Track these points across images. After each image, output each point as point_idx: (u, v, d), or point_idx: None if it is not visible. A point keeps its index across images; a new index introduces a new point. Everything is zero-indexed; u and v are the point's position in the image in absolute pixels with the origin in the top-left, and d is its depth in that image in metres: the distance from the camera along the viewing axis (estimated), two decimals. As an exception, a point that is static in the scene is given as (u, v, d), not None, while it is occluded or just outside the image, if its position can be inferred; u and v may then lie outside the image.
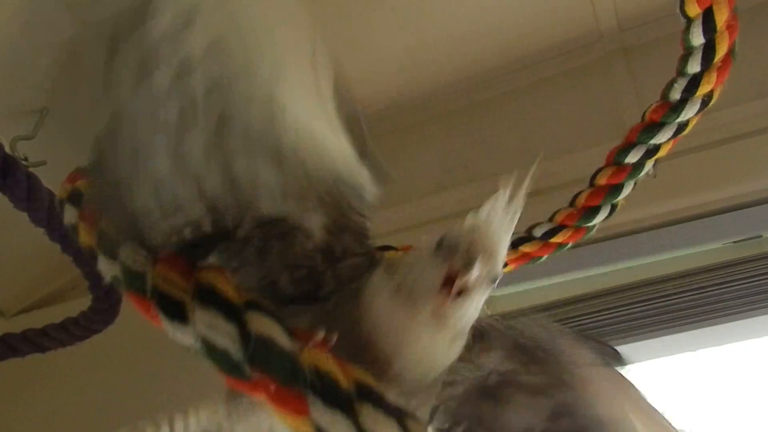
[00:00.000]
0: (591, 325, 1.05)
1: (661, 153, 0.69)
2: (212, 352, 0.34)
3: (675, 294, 1.00)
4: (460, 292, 0.37)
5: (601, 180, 0.74)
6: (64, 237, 1.02)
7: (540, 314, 1.11)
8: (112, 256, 0.39)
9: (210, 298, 0.35)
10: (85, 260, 1.07)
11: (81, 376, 1.43)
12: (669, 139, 0.66)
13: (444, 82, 1.30)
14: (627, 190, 0.74)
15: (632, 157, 0.70)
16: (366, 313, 0.38)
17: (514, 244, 0.87)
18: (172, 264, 0.37)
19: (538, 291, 1.13)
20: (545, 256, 0.85)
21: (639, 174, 0.72)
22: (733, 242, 1.02)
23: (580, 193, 0.78)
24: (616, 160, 0.72)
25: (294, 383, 0.33)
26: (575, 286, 1.10)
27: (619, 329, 1.02)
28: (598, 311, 1.05)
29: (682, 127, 0.65)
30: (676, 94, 0.62)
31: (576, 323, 1.06)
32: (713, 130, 1.02)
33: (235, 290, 0.36)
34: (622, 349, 1.00)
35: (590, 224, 0.78)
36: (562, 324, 1.05)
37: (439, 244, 0.40)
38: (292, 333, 0.35)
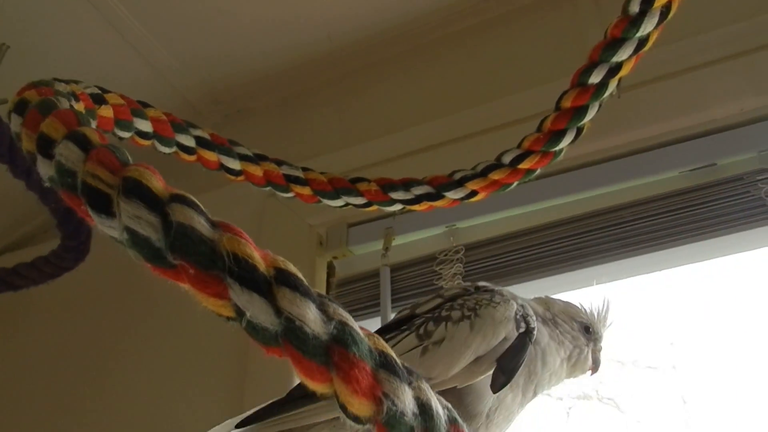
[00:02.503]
0: (553, 252, 1.08)
1: (624, 71, 0.68)
2: (135, 241, 0.35)
3: (632, 221, 1.03)
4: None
5: (566, 103, 0.74)
6: (28, 173, 1.04)
7: (506, 242, 1.14)
8: (49, 156, 0.40)
9: (135, 191, 0.36)
10: (51, 198, 1.09)
11: (56, 315, 1.47)
12: (631, 56, 0.66)
13: (417, 14, 1.29)
14: (592, 112, 0.74)
15: (596, 77, 0.70)
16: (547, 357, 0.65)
17: (484, 172, 0.88)
18: (102, 160, 0.38)
19: (503, 221, 1.16)
20: (514, 183, 0.86)
21: (603, 94, 0.72)
22: (689, 170, 1.04)
23: (546, 117, 0.78)
24: (580, 80, 0.72)
25: (213, 268, 0.34)
26: (537, 217, 1.12)
27: (581, 254, 1.05)
28: (560, 239, 1.08)
29: (642, 42, 0.64)
30: (635, 7, 0.61)
31: (539, 251, 1.09)
32: (669, 61, 1.03)
33: (161, 184, 0.37)
34: (585, 272, 1.03)
35: (557, 148, 0.79)
36: (529, 251, 1.09)
37: (586, 330, 0.69)
38: (214, 223, 0.36)
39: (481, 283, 0.70)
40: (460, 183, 0.89)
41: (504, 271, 1.10)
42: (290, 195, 0.93)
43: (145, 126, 0.71)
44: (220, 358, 1.23)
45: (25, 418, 1.38)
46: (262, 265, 0.35)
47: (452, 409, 0.40)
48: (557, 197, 1.11)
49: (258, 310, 0.34)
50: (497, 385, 0.59)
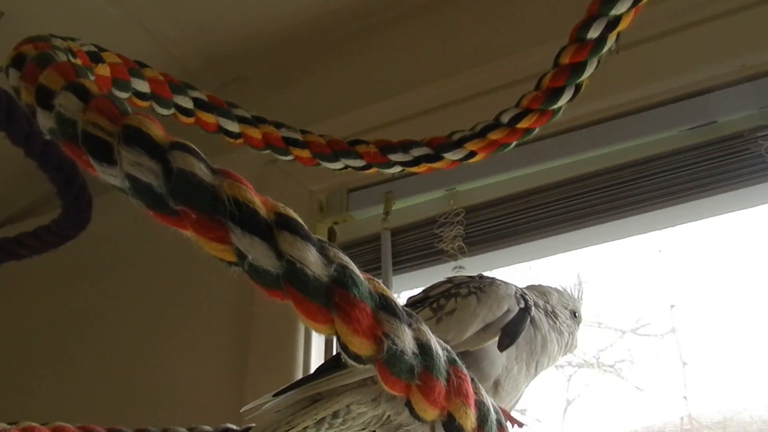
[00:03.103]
0: (552, 213, 1.08)
1: (623, 25, 0.68)
2: (137, 188, 0.36)
3: (632, 180, 1.03)
4: None
5: (565, 59, 0.74)
6: (27, 139, 1.04)
7: (506, 204, 1.14)
8: (49, 108, 0.40)
9: (135, 138, 0.36)
10: (51, 165, 1.09)
11: (59, 282, 1.49)
12: (629, 9, 0.65)
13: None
14: (590, 68, 0.74)
15: (594, 31, 0.69)
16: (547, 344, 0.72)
17: (482, 132, 0.88)
18: (102, 109, 0.38)
19: (503, 184, 1.16)
20: (513, 143, 0.86)
21: (602, 50, 0.71)
22: (689, 129, 1.04)
23: (544, 75, 0.78)
24: (578, 36, 0.71)
25: (214, 212, 0.35)
26: (537, 178, 1.13)
27: (581, 215, 1.06)
28: (559, 200, 1.09)
29: (641, -7, 0.63)
30: (633, -43, 0.60)
31: (538, 212, 1.09)
32: (668, 18, 1.01)
33: (161, 132, 0.37)
34: (585, 233, 1.04)
35: (555, 106, 0.79)
36: (530, 212, 1.10)
37: (573, 315, 0.77)
38: (214, 170, 0.36)
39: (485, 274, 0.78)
40: (458, 144, 0.89)
41: (504, 232, 1.11)
42: (289, 158, 0.93)
43: (142, 86, 0.71)
44: (224, 317, 1.25)
45: (27, 381, 1.40)
46: (262, 210, 0.36)
47: (451, 351, 0.41)
48: (556, 159, 1.11)
49: (260, 254, 0.35)
50: (503, 346, 0.67)
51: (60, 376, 1.36)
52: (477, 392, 0.41)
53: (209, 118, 0.84)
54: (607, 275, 1.13)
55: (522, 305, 0.70)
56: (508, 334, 0.67)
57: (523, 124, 0.82)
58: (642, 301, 1.10)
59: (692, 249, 1.10)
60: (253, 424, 0.66)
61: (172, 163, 0.35)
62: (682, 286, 1.08)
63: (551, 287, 0.80)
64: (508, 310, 0.69)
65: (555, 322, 0.74)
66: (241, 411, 0.66)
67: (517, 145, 0.89)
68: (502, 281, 0.74)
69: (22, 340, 1.48)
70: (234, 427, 0.81)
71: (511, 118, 0.82)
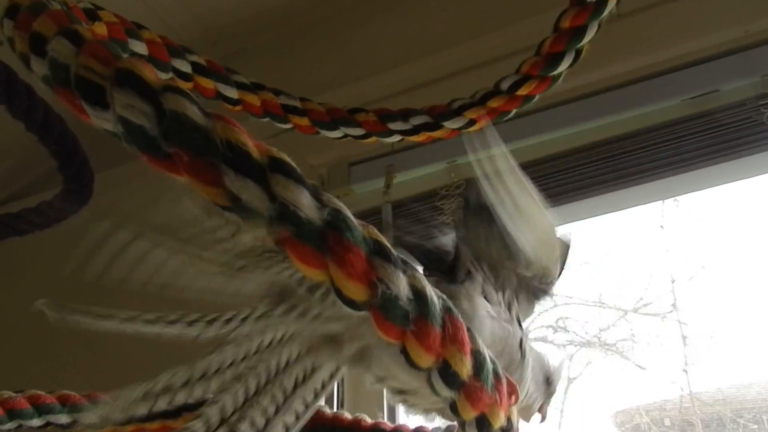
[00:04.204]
0: (553, 184, 1.08)
1: (624, -14, 0.67)
2: (130, 131, 0.35)
3: (634, 150, 1.03)
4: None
5: (565, 23, 0.73)
6: (27, 112, 1.03)
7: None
8: (42, 54, 0.40)
9: (128, 80, 0.36)
10: (51, 138, 1.09)
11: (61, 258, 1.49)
12: (631, -30, 0.65)
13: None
14: (591, 33, 0.73)
15: (595, -6, 0.69)
16: None
17: (482, 100, 0.88)
18: (94, 53, 0.37)
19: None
20: (513, 111, 0.86)
21: (602, 13, 0.70)
22: (691, 98, 1.03)
23: (544, 40, 0.77)
24: (579, -1, 0.70)
25: (207, 154, 0.35)
26: (538, 149, 1.12)
27: (582, 186, 1.06)
28: (560, 171, 1.08)
29: (643, -46, 0.63)
30: None
31: (539, 183, 1.08)
32: None
33: (153, 75, 0.37)
34: (587, 203, 1.04)
35: (555, 72, 0.78)
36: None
37: (547, 381, 0.70)
38: (207, 113, 0.36)
39: None
40: (458, 112, 0.88)
41: (504, 204, 1.10)
42: (288, 126, 0.93)
43: (140, 48, 0.70)
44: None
45: (30, 352, 1.41)
46: (255, 153, 0.35)
47: (447, 299, 0.41)
48: (556, 130, 1.10)
49: (252, 196, 0.34)
50: None
51: (62, 348, 1.36)
52: (473, 341, 0.41)
53: (208, 83, 0.83)
54: (608, 254, 1.13)
55: None
56: None
57: (522, 91, 0.82)
58: (644, 280, 1.10)
59: (694, 225, 1.10)
60: None
61: (164, 105, 0.35)
62: (683, 263, 1.08)
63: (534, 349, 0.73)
64: None
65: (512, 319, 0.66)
66: None
67: (516, 117, 0.89)
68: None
69: (26, 313, 1.48)
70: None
71: (511, 85, 0.82)
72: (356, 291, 0.36)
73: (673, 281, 1.08)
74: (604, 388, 1.05)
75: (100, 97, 0.36)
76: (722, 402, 0.96)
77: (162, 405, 0.53)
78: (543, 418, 0.72)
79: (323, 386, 0.56)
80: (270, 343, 0.57)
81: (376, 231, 0.38)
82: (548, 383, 0.71)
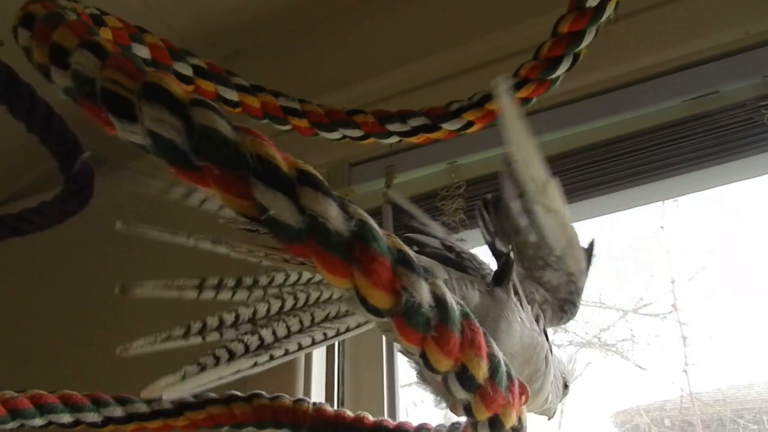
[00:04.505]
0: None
1: (622, -8, 0.69)
2: (160, 145, 0.36)
3: (634, 151, 1.04)
4: None
5: (564, 27, 0.74)
6: (28, 113, 1.02)
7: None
8: (64, 66, 0.40)
9: (156, 94, 0.36)
10: (52, 139, 1.08)
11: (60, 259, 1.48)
12: (630, -23, 0.66)
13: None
14: (589, 38, 0.74)
15: (593, -1, 0.70)
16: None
17: (480, 102, 0.89)
18: (120, 66, 0.38)
19: (503, 157, 1.16)
20: (510, 113, 0.87)
21: (601, 18, 0.72)
22: (692, 99, 1.04)
23: (543, 44, 0.78)
24: (578, 4, 0.72)
25: (237, 168, 0.35)
26: (539, 151, 1.13)
27: (581, 187, 1.07)
28: (559, 172, 1.09)
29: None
30: None
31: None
32: None
33: (181, 88, 0.37)
34: (586, 204, 1.05)
35: (554, 76, 0.79)
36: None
37: (565, 386, 0.73)
38: (235, 127, 0.37)
39: None
40: (456, 114, 0.89)
41: (506, 204, 1.11)
42: (287, 128, 0.94)
43: (143, 52, 0.70)
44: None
45: (33, 353, 1.40)
46: (284, 166, 0.36)
47: (465, 306, 0.42)
48: (556, 131, 1.11)
49: (282, 208, 0.35)
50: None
51: (65, 349, 1.36)
52: (489, 345, 0.42)
53: (208, 86, 0.84)
54: (608, 254, 1.14)
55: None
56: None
57: (521, 94, 0.83)
58: (644, 281, 1.12)
59: (694, 225, 1.11)
60: None
61: (193, 119, 0.36)
62: (683, 263, 1.10)
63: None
64: None
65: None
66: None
67: (515, 118, 0.90)
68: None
69: (27, 314, 1.47)
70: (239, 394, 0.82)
71: (509, 88, 0.83)
72: (381, 299, 0.37)
73: (673, 282, 1.10)
74: (604, 388, 1.07)
75: (129, 111, 0.37)
76: (722, 402, 0.98)
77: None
78: (551, 416, 0.75)
79: (347, 330, 0.61)
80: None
81: (399, 241, 0.39)
82: (565, 387, 0.74)
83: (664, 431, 1.00)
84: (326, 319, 0.62)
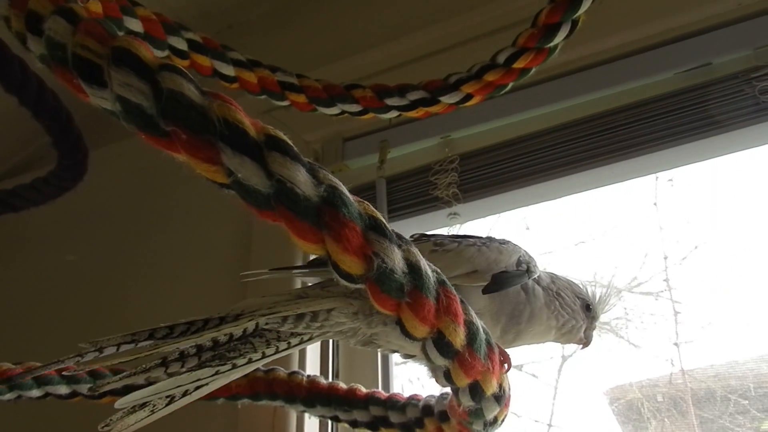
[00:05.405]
0: (547, 158, 1.08)
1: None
2: (128, 110, 0.36)
3: (627, 124, 1.03)
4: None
5: (561, -7, 0.73)
6: (21, 87, 1.03)
7: (501, 150, 1.14)
8: (39, 33, 0.40)
9: (125, 59, 0.36)
10: (46, 114, 1.08)
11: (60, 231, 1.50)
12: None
13: None
14: (587, 3, 0.72)
15: (591, -35, 0.68)
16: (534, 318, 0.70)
17: (479, 73, 0.87)
18: (90, 31, 0.38)
19: (497, 130, 1.15)
20: (509, 84, 0.86)
21: (598, -17, 0.70)
22: (684, 71, 1.02)
23: (540, 11, 0.76)
24: (575, -30, 0.70)
25: (204, 132, 0.35)
26: (531, 124, 1.12)
27: (575, 160, 1.06)
28: (553, 145, 1.08)
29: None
30: None
31: (533, 158, 1.09)
32: None
33: (150, 53, 0.37)
34: (580, 177, 1.05)
35: (552, 44, 0.78)
36: (524, 158, 1.10)
37: (587, 308, 0.75)
38: (203, 91, 0.36)
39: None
40: (455, 86, 0.88)
41: (500, 178, 1.11)
42: (285, 103, 0.93)
43: (135, 25, 0.70)
44: (222, 265, 1.26)
45: (30, 327, 1.42)
46: (252, 130, 0.36)
47: (441, 273, 0.42)
48: (550, 104, 1.09)
49: (250, 173, 0.35)
50: (487, 290, 0.67)
51: (62, 322, 1.38)
52: (466, 312, 0.42)
53: (204, 60, 0.83)
54: (602, 234, 1.13)
55: (523, 269, 0.70)
56: (497, 281, 0.67)
57: (519, 64, 0.81)
58: (638, 260, 1.11)
59: (687, 204, 1.10)
60: None
61: (161, 83, 0.36)
62: (677, 243, 1.09)
63: (568, 278, 0.78)
64: (505, 268, 0.69)
65: (553, 301, 0.72)
66: (240, 275, 0.66)
67: (511, 91, 0.89)
68: (514, 244, 0.73)
69: (25, 288, 1.49)
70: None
71: (508, 58, 0.81)
72: (353, 265, 0.37)
73: (665, 257, 1.09)
74: (598, 365, 1.07)
75: (98, 76, 0.37)
76: (714, 378, 0.97)
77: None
78: (587, 343, 0.76)
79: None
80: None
81: (371, 207, 0.39)
82: (588, 309, 0.75)
83: (657, 406, 1.00)
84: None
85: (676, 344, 1.04)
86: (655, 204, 1.11)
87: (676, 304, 1.06)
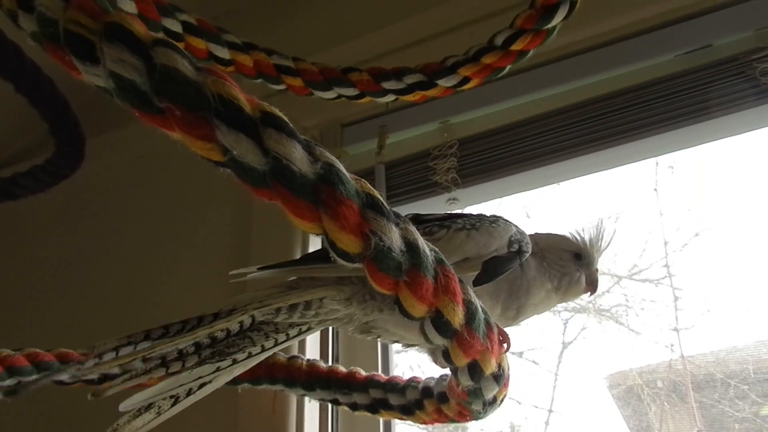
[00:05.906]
0: (546, 142, 1.08)
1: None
2: (121, 86, 0.35)
3: (626, 107, 1.02)
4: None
5: (559, -27, 0.72)
6: (16, 73, 1.02)
7: (499, 135, 1.13)
8: (30, 10, 0.40)
9: (117, 35, 0.36)
10: (42, 100, 1.07)
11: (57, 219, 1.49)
12: None
13: None
14: (586, -18, 0.72)
15: (589, -55, 0.68)
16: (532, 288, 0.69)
17: (476, 56, 0.87)
18: (82, 7, 0.37)
19: (496, 115, 1.14)
20: (507, 66, 0.85)
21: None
22: (685, 53, 1.02)
23: (539, -8, 0.76)
24: (573, -51, 0.69)
25: (199, 109, 0.35)
26: (530, 108, 1.11)
27: (574, 144, 1.05)
28: (552, 129, 1.08)
29: None
30: None
31: (532, 142, 1.09)
32: None
33: (143, 29, 0.36)
34: (579, 161, 1.04)
35: (550, 25, 0.77)
36: (523, 143, 1.09)
37: (577, 257, 0.73)
38: (198, 67, 0.36)
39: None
40: (452, 69, 0.87)
41: (498, 163, 1.10)
42: (281, 87, 0.92)
43: (128, 6, 0.69)
44: (220, 251, 1.26)
45: (30, 314, 1.42)
46: (247, 107, 0.36)
47: (439, 252, 0.41)
48: (549, 88, 1.09)
49: (245, 150, 0.35)
50: (478, 282, 0.65)
51: (61, 309, 1.38)
52: (464, 291, 0.42)
53: (199, 43, 0.82)
54: (603, 219, 1.13)
55: (515, 249, 0.68)
56: (488, 271, 0.65)
57: (517, 46, 0.81)
58: (638, 247, 1.11)
59: (687, 191, 1.10)
60: None
61: (155, 59, 0.35)
62: (677, 230, 1.09)
63: (553, 233, 0.77)
64: (495, 251, 0.68)
65: (541, 263, 0.72)
66: (229, 273, 0.66)
67: (510, 75, 0.88)
68: (505, 222, 0.71)
69: (24, 275, 1.49)
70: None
71: (505, 40, 0.81)
72: (349, 243, 0.36)
73: (665, 243, 1.09)
74: (598, 352, 1.07)
75: (90, 52, 0.36)
76: (714, 364, 0.97)
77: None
78: (594, 289, 0.74)
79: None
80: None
81: (368, 185, 0.38)
82: (578, 258, 0.73)
83: (657, 392, 1.00)
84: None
85: (676, 330, 1.04)
86: (655, 190, 1.10)
87: (677, 290, 1.06)
